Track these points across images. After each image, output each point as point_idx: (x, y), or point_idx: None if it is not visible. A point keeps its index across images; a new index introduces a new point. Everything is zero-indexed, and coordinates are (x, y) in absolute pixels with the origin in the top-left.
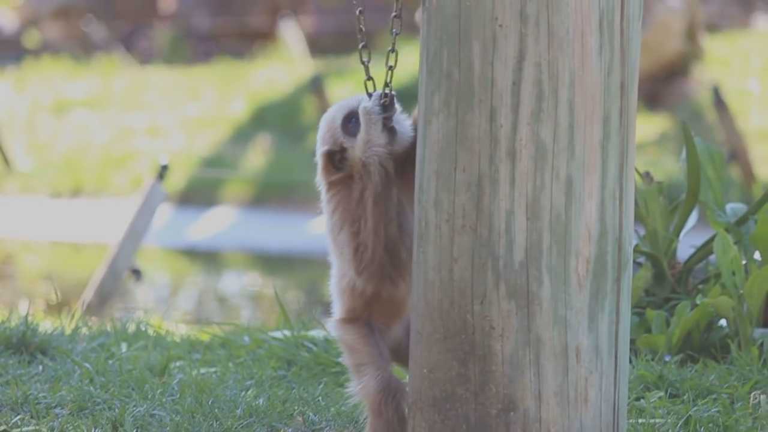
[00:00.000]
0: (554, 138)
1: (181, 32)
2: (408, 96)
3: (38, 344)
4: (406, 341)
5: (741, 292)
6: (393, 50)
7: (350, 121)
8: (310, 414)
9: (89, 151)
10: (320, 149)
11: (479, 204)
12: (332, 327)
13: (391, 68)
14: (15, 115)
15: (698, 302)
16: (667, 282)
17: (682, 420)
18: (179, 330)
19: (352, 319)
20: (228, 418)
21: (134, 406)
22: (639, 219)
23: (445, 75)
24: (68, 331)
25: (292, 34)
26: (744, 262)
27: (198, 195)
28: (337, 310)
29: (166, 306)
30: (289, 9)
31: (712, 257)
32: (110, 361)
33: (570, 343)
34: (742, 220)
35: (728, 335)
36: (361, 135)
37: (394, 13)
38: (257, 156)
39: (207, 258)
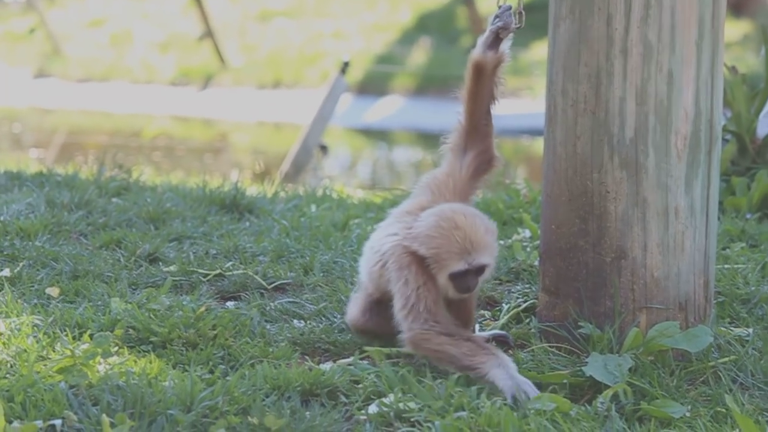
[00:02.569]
0: (659, 38)
1: None
2: (541, 4)
3: (245, 205)
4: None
5: None
6: None
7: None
8: None
9: (287, 51)
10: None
11: (598, 92)
12: None
13: None
14: (228, 23)
15: None
16: (748, 154)
17: (760, 265)
18: (357, 194)
19: None
20: None
21: (321, 254)
22: (726, 104)
23: None
24: (269, 195)
25: None
26: None
27: (372, 86)
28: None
29: (347, 174)
30: None
31: None
32: (302, 219)
33: (670, 203)
34: None
35: None
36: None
37: None
38: (420, 54)
39: (379, 136)
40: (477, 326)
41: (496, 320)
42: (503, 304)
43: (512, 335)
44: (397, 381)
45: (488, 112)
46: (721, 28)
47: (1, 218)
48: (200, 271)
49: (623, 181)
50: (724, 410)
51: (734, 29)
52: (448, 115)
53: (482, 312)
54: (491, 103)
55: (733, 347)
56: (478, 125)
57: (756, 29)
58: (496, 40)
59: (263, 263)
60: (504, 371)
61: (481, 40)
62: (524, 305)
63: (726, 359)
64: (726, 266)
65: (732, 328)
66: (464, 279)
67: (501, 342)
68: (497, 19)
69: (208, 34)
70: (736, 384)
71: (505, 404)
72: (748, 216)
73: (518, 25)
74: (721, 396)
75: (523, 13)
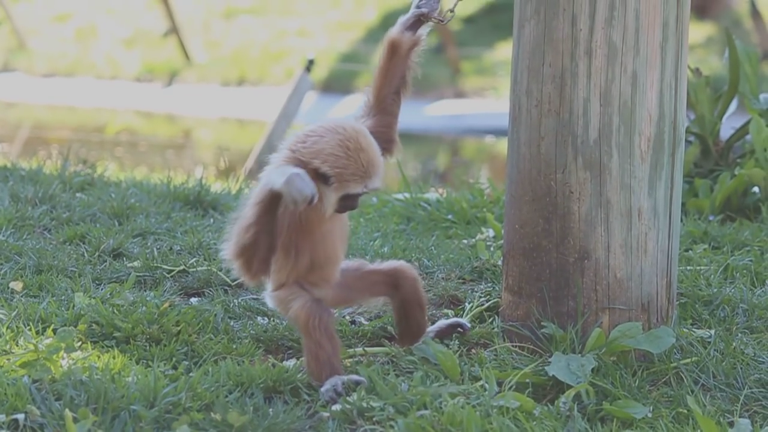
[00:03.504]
0: (623, 40)
1: None
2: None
3: (210, 201)
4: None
5: None
6: None
7: None
8: (425, 260)
9: (252, 48)
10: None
11: (562, 93)
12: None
13: None
14: (193, 19)
15: (736, 173)
16: (711, 156)
17: (722, 267)
18: None
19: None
20: None
21: None
22: (690, 106)
23: None
24: (234, 192)
25: None
26: None
27: (337, 84)
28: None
29: None
30: None
31: (748, 137)
32: None
33: (633, 205)
34: None
35: (760, 199)
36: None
37: None
38: None
39: None
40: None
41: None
42: (466, 303)
43: (475, 335)
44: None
45: (397, 94)
46: (686, 31)
47: None
48: (164, 267)
49: (587, 181)
50: (685, 411)
51: (698, 31)
52: (412, 113)
53: (445, 311)
54: (401, 87)
55: (695, 348)
56: (384, 104)
57: (720, 32)
58: (416, 23)
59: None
60: None
61: (402, 19)
62: (487, 304)
63: (688, 360)
64: (689, 268)
65: (694, 330)
66: (354, 200)
67: (459, 330)
68: (422, 3)
69: (173, 30)
70: (698, 385)
71: (467, 403)
72: (711, 218)
73: (442, 19)
74: (683, 397)
75: (454, 12)
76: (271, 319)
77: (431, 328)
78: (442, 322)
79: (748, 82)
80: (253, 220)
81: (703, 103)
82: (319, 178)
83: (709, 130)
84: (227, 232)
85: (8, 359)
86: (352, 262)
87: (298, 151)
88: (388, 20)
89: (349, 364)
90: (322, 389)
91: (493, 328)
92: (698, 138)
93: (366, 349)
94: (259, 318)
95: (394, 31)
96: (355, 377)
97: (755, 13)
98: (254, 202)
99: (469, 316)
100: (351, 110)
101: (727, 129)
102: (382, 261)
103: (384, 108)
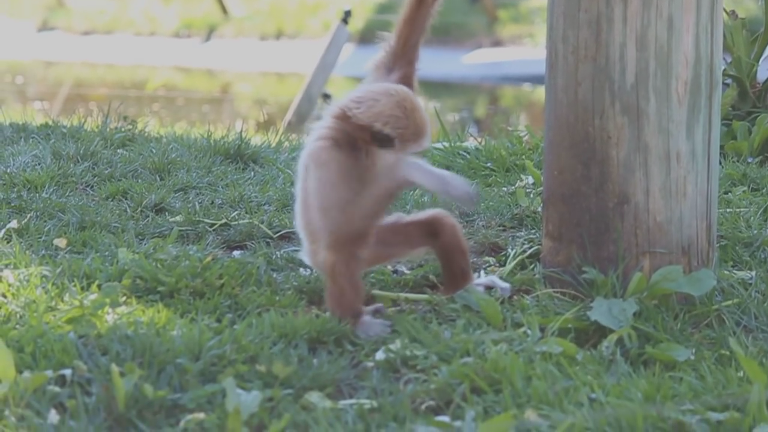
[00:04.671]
0: None
1: None
2: None
3: (250, 155)
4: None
5: None
6: None
7: None
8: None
9: (289, 1)
10: None
11: (598, 38)
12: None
13: None
14: None
15: None
16: (749, 99)
17: (762, 209)
18: None
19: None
20: (401, 210)
21: None
22: (726, 48)
23: None
24: (273, 145)
25: None
26: None
27: (374, 35)
28: None
29: None
30: None
31: None
32: None
33: (672, 148)
34: None
35: None
36: None
37: None
38: None
39: None
40: (481, 272)
41: (501, 266)
42: (508, 250)
43: (517, 282)
44: (403, 327)
45: (417, 45)
46: None
47: (8, 170)
48: (206, 221)
49: (624, 126)
50: (728, 353)
51: None
52: (450, 63)
53: (486, 258)
54: (421, 37)
55: (736, 290)
56: (406, 51)
57: None
58: None
59: (268, 212)
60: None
61: None
62: (529, 252)
63: (729, 302)
64: (728, 210)
65: (735, 272)
66: None
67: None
68: None
69: None
70: (739, 327)
71: (510, 350)
72: (750, 160)
73: None
74: (725, 339)
75: None
76: (314, 270)
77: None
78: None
79: None
80: (376, 210)
81: (740, 46)
82: (377, 140)
83: (746, 72)
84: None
85: (54, 315)
86: (389, 216)
87: (354, 116)
88: None
89: (391, 313)
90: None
91: (535, 275)
92: (735, 80)
93: (408, 296)
94: (301, 269)
95: None
96: (372, 307)
97: None
98: (382, 194)
99: (513, 263)
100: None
101: (764, 71)
102: (419, 212)
103: (409, 59)
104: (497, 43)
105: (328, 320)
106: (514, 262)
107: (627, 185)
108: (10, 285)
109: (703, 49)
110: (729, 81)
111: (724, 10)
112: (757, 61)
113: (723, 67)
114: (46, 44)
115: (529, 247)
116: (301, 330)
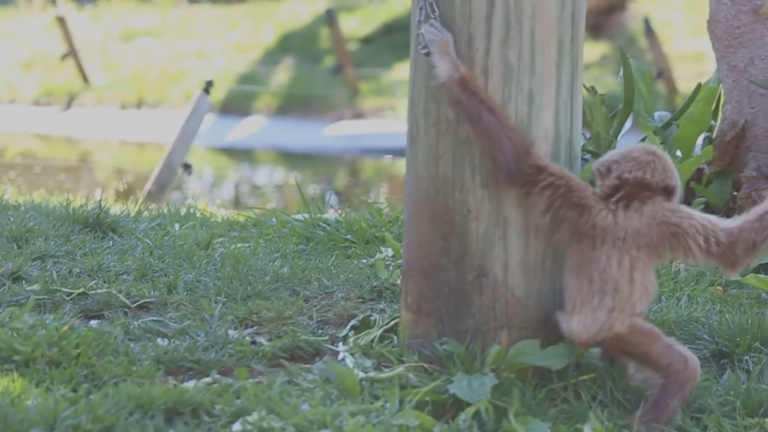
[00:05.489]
0: (519, 59)
1: None
2: (402, 26)
3: (109, 224)
4: None
5: None
6: None
7: None
8: (324, 280)
9: (150, 70)
10: None
11: (459, 112)
12: None
13: None
14: (91, 42)
15: None
16: None
17: None
18: (221, 213)
19: None
20: (259, 283)
21: (185, 273)
22: (585, 124)
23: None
24: (133, 214)
25: None
26: None
27: (236, 105)
28: None
29: (210, 193)
30: None
31: None
32: (166, 238)
33: (531, 222)
34: (667, 125)
35: None
36: None
37: None
38: (283, 74)
39: (243, 155)
40: (339, 344)
41: (360, 339)
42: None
43: (375, 354)
44: (260, 399)
45: None
46: (580, 50)
47: None
48: (64, 289)
49: (485, 200)
50: (582, 428)
51: (593, 50)
52: (311, 134)
53: (347, 333)
54: None
55: (592, 364)
56: None
57: (614, 50)
58: None
59: (127, 282)
60: None
61: None
62: (388, 324)
63: (586, 377)
64: None
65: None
66: None
67: None
68: None
69: (71, 53)
70: (595, 401)
71: (368, 422)
72: None
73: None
74: (582, 413)
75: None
76: (171, 340)
77: None
78: None
79: (642, 101)
80: None
81: (599, 122)
82: None
83: (604, 148)
84: None
85: None
86: None
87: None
88: (285, 41)
89: (248, 386)
90: None
91: (394, 347)
92: (594, 156)
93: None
94: (159, 340)
95: None
96: None
97: (649, 31)
98: None
99: (371, 337)
100: (250, 131)
101: (622, 147)
102: None
103: None
104: (359, 116)
105: (184, 391)
106: (373, 335)
107: (486, 259)
108: None
109: (563, 125)
110: (588, 156)
111: (584, 86)
112: (616, 138)
113: (582, 143)
114: None
115: (391, 319)
116: (158, 400)
